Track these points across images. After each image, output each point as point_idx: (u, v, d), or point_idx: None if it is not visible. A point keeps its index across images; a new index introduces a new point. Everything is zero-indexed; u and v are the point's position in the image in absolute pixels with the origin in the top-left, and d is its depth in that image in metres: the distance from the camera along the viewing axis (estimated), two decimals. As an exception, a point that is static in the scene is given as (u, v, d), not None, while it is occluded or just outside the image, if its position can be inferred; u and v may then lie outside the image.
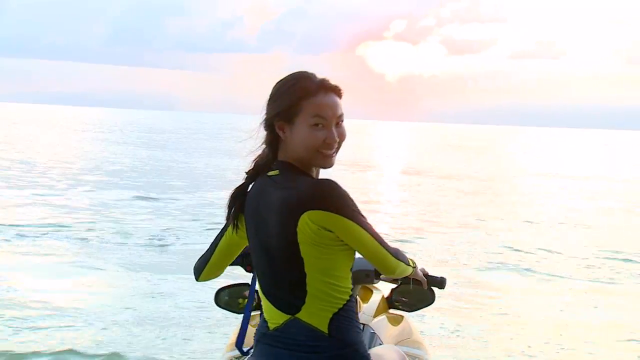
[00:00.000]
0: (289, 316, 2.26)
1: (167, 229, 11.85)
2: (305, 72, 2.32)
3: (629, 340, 6.86)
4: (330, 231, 2.18)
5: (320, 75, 2.32)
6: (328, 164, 2.29)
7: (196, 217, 13.34)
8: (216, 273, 2.56)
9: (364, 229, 2.21)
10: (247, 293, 2.95)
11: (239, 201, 2.38)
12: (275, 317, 2.29)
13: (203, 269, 2.55)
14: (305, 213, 2.17)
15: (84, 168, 23.35)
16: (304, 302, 2.24)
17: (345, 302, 2.24)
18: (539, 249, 11.52)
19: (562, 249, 11.62)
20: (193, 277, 2.58)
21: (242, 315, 2.98)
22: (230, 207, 2.40)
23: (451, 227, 13.49)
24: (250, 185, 2.38)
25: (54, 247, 9.89)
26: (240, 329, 2.65)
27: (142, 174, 22.40)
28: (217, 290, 3.04)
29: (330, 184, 2.20)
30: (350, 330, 2.25)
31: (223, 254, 2.51)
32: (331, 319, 2.22)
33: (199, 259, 2.58)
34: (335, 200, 2.18)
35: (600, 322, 7.46)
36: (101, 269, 8.73)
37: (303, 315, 2.24)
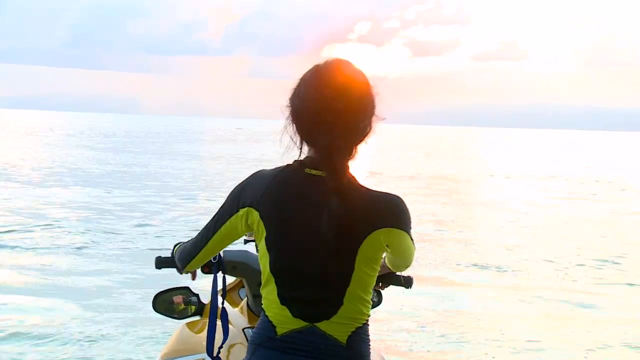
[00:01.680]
0: (307, 324, 2.15)
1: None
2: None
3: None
4: (388, 247, 2.17)
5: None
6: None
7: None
8: (202, 263, 2.37)
9: (412, 239, 2.24)
10: (184, 298, 2.92)
11: (263, 191, 2.13)
12: (289, 322, 2.15)
13: (193, 258, 2.32)
14: (378, 230, 2.12)
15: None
16: (334, 314, 2.15)
17: (368, 317, 2.21)
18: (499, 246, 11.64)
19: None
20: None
21: (181, 320, 2.96)
22: (246, 195, 2.15)
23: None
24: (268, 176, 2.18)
25: None
26: (208, 333, 2.54)
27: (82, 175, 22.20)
28: (155, 295, 2.92)
29: (403, 201, 2.19)
30: (365, 343, 2.21)
31: (218, 243, 2.27)
32: (353, 332, 2.17)
33: (182, 248, 2.39)
34: (407, 219, 2.18)
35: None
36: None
37: (324, 325, 2.15)
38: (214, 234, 2.24)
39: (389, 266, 2.43)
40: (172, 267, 2.63)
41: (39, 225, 12.09)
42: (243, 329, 2.76)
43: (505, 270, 10.01)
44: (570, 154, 57.29)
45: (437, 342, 6.63)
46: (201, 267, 2.62)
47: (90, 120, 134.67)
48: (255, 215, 2.13)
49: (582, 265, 10.63)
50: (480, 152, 57.27)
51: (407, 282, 2.72)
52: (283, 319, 2.14)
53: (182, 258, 2.37)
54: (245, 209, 2.14)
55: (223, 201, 2.21)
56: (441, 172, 29.86)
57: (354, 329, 2.17)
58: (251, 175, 2.19)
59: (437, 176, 27.69)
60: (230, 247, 2.44)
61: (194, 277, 2.63)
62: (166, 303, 2.93)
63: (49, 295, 7.68)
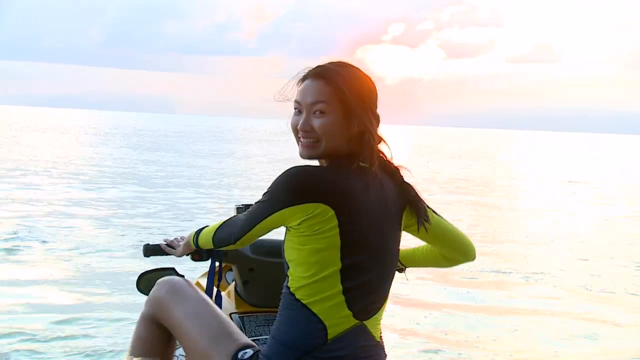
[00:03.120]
0: (357, 322, 2.11)
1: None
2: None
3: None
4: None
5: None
6: (303, 152, 2.17)
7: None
8: (243, 245, 2.25)
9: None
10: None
11: (331, 185, 2.06)
12: (342, 322, 2.08)
13: (240, 238, 2.19)
14: (404, 212, 2.24)
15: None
16: (380, 309, 2.18)
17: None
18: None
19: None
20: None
21: None
22: (305, 189, 2.06)
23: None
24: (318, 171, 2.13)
25: None
26: None
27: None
28: (140, 274, 2.87)
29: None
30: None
31: (262, 231, 2.16)
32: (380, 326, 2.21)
33: (222, 228, 2.27)
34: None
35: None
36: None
37: (370, 322, 2.14)
38: (260, 221, 2.12)
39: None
40: (160, 254, 2.67)
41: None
42: (230, 314, 2.77)
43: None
44: (615, 159, 56.27)
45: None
46: (191, 255, 2.66)
47: (134, 120, 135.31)
48: (323, 208, 2.04)
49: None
50: (526, 155, 56.52)
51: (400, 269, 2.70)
52: (337, 318, 2.08)
53: (222, 238, 2.25)
54: (309, 204, 2.04)
55: (268, 190, 2.12)
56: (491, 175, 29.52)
57: (381, 321, 2.20)
58: (300, 170, 2.08)
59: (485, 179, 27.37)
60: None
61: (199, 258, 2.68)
62: (150, 283, 2.82)
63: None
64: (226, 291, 2.98)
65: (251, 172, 26.53)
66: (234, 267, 2.86)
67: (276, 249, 2.76)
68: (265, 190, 2.12)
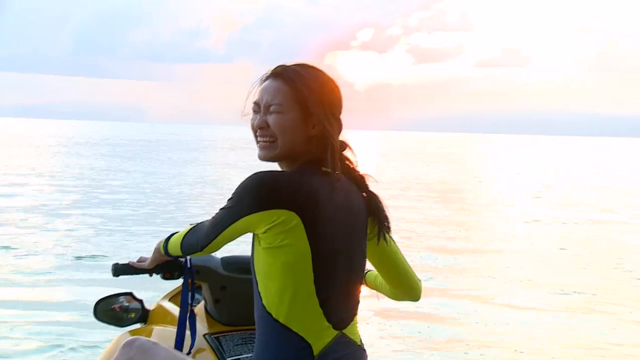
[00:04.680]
0: (338, 332, 2.07)
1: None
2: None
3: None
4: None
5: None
6: (260, 153, 2.14)
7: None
8: (210, 252, 2.16)
9: None
10: (125, 304, 2.81)
11: (295, 192, 2.00)
12: (325, 335, 2.04)
13: (207, 245, 2.11)
14: (369, 218, 2.19)
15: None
16: (356, 312, 2.15)
17: None
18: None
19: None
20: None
21: (125, 328, 2.83)
22: (270, 195, 1.99)
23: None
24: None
25: None
26: (177, 340, 2.46)
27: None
28: (97, 301, 2.79)
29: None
30: None
31: (227, 238, 2.09)
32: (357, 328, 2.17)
33: (190, 234, 2.19)
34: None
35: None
36: None
37: (349, 329, 2.11)
38: (226, 228, 2.05)
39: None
40: (131, 273, 2.60)
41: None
42: (204, 335, 2.69)
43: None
44: (581, 161, 56.54)
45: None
46: (162, 274, 2.61)
47: (104, 129, 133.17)
48: (287, 215, 1.98)
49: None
50: (493, 158, 56.74)
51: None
52: (318, 332, 2.03)
53: (190, 244, 2.17)
54: (273, 210, 1.98)
55: (232, 195, 2.04)
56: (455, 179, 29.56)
57: (356, 323, 2.16)
58: (264, 174, 2.01)
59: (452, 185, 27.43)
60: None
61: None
62: (108, 310, 2.80)
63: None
64: (195, 310, 2.84)
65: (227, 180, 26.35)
66: (204, 286, 2.77)
67: (249, 265, 2.62)
68: (230, 196, 2.05)
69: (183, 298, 2.57)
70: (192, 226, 2.21)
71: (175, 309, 2.79)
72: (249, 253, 2.19)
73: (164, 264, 2.59)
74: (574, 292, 9.18)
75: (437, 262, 10.91)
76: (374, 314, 7.43)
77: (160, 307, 2.88)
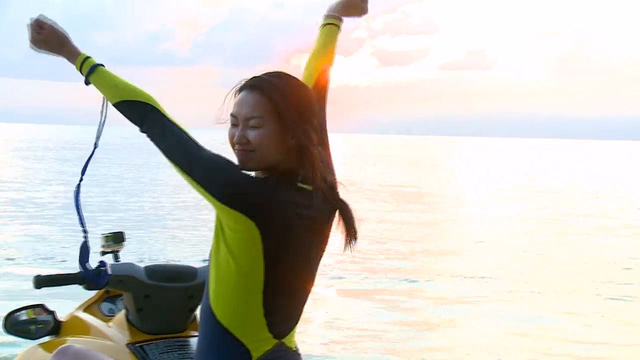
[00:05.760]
0: (277, 341, 2.10)
1: None
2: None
3: None
4: None
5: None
6: (239, 163, 2.09)
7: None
8: None
9: None
10: (35, 316, 2.80)
11: (253, 200, 2.00)
12: (263, 344, 2.07)
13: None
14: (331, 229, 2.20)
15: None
16: (297, 323, 2.19)
17: None
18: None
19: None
20: None
21: (35, 341, 2.80)
22: (243, 196, 1.99)
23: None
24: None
25: None
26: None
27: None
28: (6, 314, 2.76)
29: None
30: None
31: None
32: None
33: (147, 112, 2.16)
34: None
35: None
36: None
37: (287, 338, 2.14)
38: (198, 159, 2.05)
39: None
40: (54, 286, 2.60)
41: None
42: (128, 345, 2.69)
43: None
44: (543, 164, 57.54)
45: None
46: (86, 284, 2.58)
47: (65, 133, 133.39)
48: (247, 224, 1.99)
49: None
50: (468, 162, 57.42)
51: None
52: (259, 341, 2.07)
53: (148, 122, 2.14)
54: (236, 212, 1.98)
55: (207, 163, 2.03)
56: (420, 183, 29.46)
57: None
58: (240, 176, 2.02)
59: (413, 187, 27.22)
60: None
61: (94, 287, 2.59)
62: (17, 323, 2.78)
63: None
64: (113, 321, 2.85)
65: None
66: (126, 295, 2.75)
67: (173, 273, 2.76)
68: (203, 157, 2.04)
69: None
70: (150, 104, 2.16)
71: (90, 319, 2.83)
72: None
73: (89, 275, 2.55)
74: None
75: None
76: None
77: (74, 318, 2.88)
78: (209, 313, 2.09)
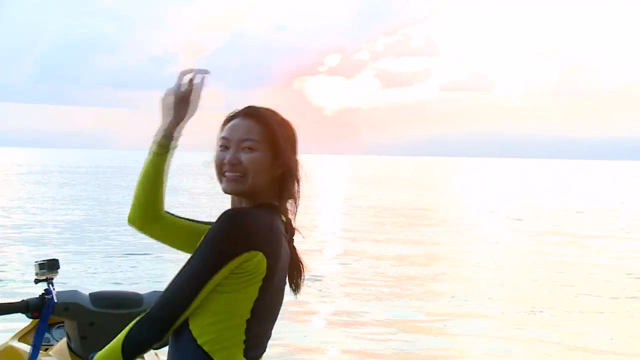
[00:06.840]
0: None
1: None
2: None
3: None
4: None
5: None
6: (227, 186, 2.10)
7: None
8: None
9: None
10: None
11: (266, 234, 2.04)
12: None
13: (174, 323, 2.00)
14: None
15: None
16: (265, 350, 2.18)
17: None
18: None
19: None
20: None
21: None
22: (247, 237, 1.99)
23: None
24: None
25: None
26: None
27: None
28: None
29: None
30: None
31: (203, 295, 2.01)
32: None
33: (144, 320, 2.03)
34: None
35: None
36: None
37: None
38: (207, 282, 1.98)
39: None
40: (7, 313, 2.55)
41: None
42: None
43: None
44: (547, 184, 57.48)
45: None
46: (30, 313, 2.58)
47: (68, 157, 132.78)
48: (260, 256, 2.00)
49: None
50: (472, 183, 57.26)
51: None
52: None
53: (156, 329, 2.00)
54: (251, 252, 1.99)
55: (207, 243, 1.98)
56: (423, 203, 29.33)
57: None
58: (239, 213, 2.04)
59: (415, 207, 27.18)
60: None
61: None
62: None
63: None
64: (54, 350, 2.79)
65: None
66: (69, 323, 2.71)
67: (118, 300, 2.74)
68: (201, 245, 2.00)
69: (38, 341, 2.54)
70: (134, 323, 2.03)
71: (26, 348, 2.73)
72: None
73: (34, 303, 2.58)
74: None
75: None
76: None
77: (9, 348, 2.81)
78: (188, 335, 2.04)
